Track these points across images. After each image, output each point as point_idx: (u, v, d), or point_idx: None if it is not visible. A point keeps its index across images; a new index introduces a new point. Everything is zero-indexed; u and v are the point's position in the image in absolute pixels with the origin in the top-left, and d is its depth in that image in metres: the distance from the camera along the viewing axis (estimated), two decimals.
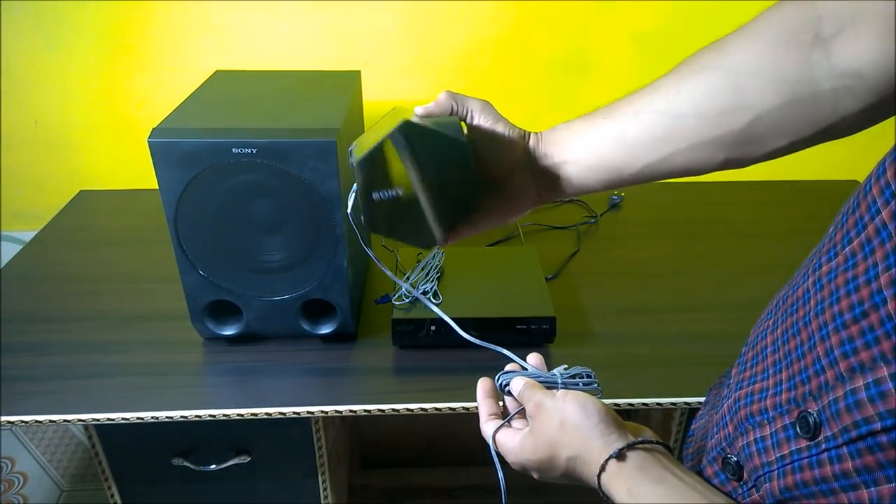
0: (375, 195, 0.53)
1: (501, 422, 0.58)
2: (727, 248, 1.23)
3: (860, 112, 0.46)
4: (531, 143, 0.58)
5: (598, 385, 0.57)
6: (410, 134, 0.51)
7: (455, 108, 0.56)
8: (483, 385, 0.61)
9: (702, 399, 0.89)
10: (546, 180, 0.58)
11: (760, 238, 1.26)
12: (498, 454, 0.57)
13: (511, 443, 0.55)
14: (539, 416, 0.53)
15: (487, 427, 0.58)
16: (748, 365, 0.48)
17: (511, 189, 0.58)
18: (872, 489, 0.35)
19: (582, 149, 0.55)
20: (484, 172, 0.57)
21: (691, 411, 0.97)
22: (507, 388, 0.58)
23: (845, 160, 1.46)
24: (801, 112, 0.47)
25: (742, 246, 1.24)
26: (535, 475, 0.55)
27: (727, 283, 1.13)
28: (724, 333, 1.01)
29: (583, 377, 0.58)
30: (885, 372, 0.34)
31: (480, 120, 0.57)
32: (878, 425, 0.34)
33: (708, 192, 1.44)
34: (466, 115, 0.57)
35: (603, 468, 0.48)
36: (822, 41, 0.45)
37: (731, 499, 0.46)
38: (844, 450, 0.36)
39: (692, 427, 0.61)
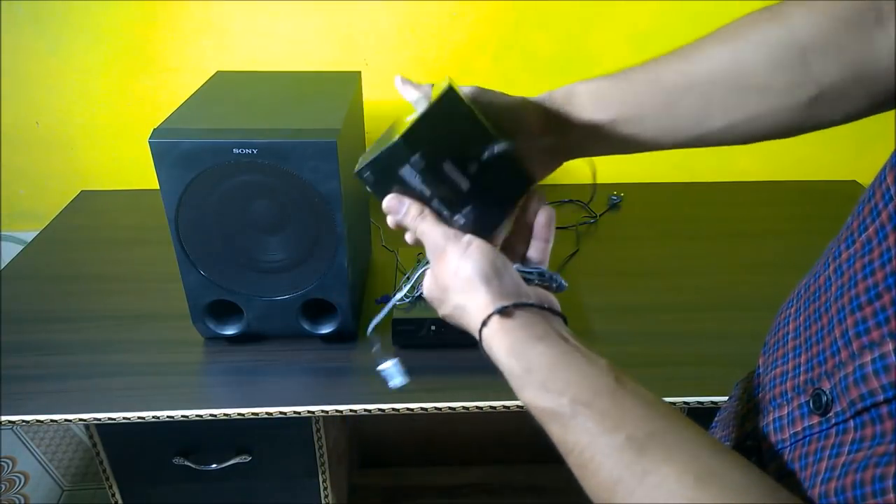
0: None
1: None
2: (727, 248, 1.24)
3: None
4: (549, 106, 0.54)
5: (558, 284, 0.53)
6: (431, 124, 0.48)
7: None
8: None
9: (701, 399, 0.90)
10: (571, 143, 0.55)
11: (760, 238, 1.27)
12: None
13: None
14: (439, 261, 0.50)
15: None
16: (770, 351, 0.49)
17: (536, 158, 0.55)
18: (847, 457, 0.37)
19: (612, 109, 0.53)
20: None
21: (690, 411, 0.97)
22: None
23: (845, 160, 1.46)
24: (860, 88, 0.47)
25: (742, 246, 1.24)
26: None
27: (727, 282, 1.13)
28: (725, 333, 1.01)
29: (536, 274, 0.52)
30: (890, 347, 0.35)
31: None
32: (881, 397, 0.35)
33: (708, 192, 1.44)
34: None
35: (485, 323, 0.45)
36: (882, 20, 0.46)
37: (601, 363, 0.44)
38: (851, 423, 0.38)
39: (715, 419, 0.62)
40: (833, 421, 0.39)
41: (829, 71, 0.47)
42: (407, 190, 0.50)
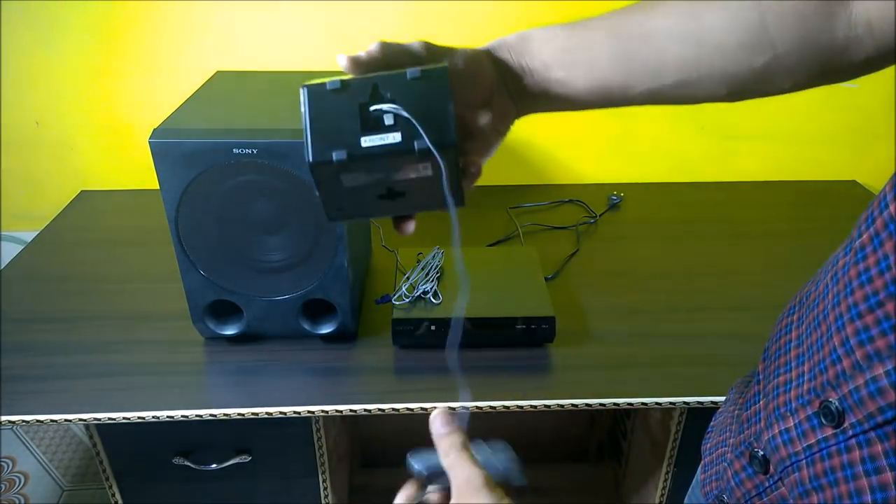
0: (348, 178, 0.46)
1: None
2: (727, 248, 1.24)
3: (863, 61, 0.47)
4: (504, 58, 0.51)
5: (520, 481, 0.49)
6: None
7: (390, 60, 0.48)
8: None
9: (701, 399, 0.90)
10: (526, 96, 0.52)
11: (760, 238, 1.27)
12: None
13: None
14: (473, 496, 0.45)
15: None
16: (772, 359, 0.49)
17: (495, 113, 0.51)
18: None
19: (575, 67, 0.51)
20: (462, 107, 0.49)
21: (690, 411, 0.97)
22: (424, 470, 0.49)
23: (845, 160, 1.46)
24: (814, 56, 0.47)
25: (742, 246, 1.24)
26: None
27: (726, 282, 1.13)
28: (724, 333, 1.01)
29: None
30: None
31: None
32: None
33: (708, 192, 1.44)
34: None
35: None
36: None
37: None
38: (872, 434, 0.37)
39: (711, 423, 0.61)
40: (850, 433, 0.39)
41: (786, 36, 0.47)
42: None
